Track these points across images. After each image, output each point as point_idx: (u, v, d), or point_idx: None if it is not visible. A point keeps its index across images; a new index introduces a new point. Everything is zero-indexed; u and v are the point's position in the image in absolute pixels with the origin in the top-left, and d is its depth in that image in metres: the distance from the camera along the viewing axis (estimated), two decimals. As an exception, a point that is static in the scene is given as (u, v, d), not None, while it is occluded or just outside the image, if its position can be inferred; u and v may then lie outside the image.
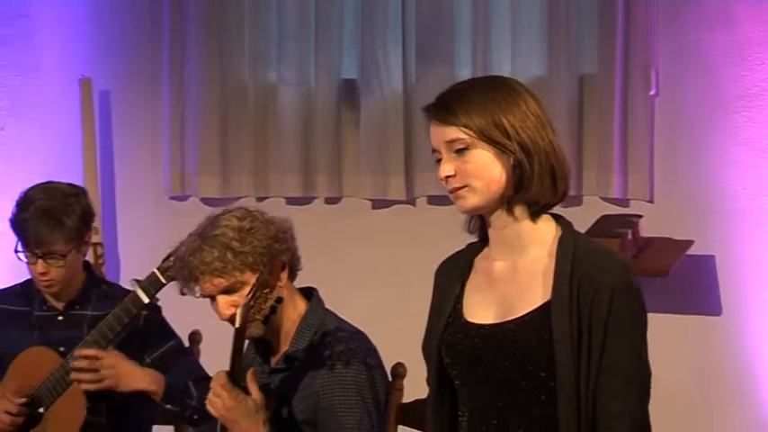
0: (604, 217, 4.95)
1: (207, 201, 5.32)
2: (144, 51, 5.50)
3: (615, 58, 5.07)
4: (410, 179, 5.27)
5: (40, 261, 3.99)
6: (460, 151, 2.62)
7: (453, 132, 2.62)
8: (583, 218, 4.84)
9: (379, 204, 5.33)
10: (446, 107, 2.65)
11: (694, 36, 5.06)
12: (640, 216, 4.98)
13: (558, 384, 2.58)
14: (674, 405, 4.94)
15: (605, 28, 5.08)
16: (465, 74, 5.17)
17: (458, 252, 2.78)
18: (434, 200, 5.26)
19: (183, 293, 3.62)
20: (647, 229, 4.95)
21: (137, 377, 3.91)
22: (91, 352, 3.87)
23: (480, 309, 2.69)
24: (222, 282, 3.42)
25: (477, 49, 5.18)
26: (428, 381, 2.80)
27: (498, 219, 2.66)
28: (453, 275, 2.76)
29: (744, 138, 5.02)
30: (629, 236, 4.78)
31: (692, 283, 5.01)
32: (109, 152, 5.54)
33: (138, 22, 5.52)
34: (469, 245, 2.76)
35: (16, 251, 4.05)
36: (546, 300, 2.61)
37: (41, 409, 3.99)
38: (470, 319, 2.69)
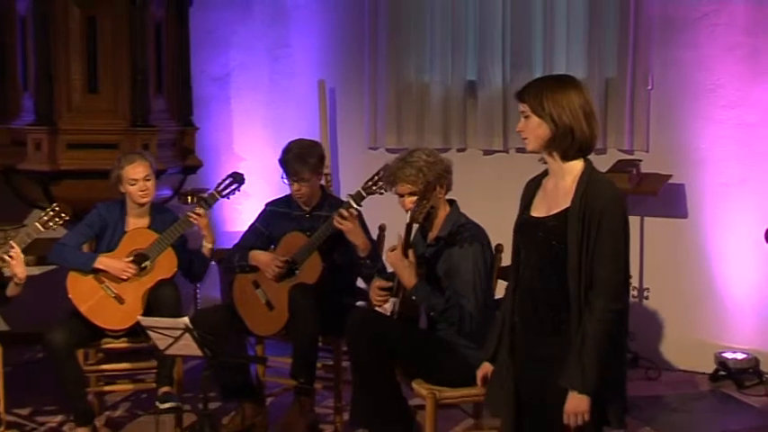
0: (620, 161, 4.89)
1: (389, 150, 5.29)
2: (353, 64, 5.44)
3: (627, 65, 4.93)
4: (506, 138, 5.19)
5: (296, 183, 4.08)
6: (526, 117, 2.57)
7: (522, 106, 2.57)
8: (607, 160, 4.91)
9: (487, 152, 5.25)
10: (521, 91, 2.59)
11: (676, 52, 4.91)
12: (641, 160, 4.90)
13: (568, 256, 2.52)
14: (657, 273, 4.92)
15: (621, 47, 4.93)
16: (539, 75, 5.04)
17: (537, 176, 2.70)
18: (520, 150, 5.12)
19: (384, 191, 3.73)
20: (644, 168, 4.88)
21: (360, 236, 3.94)
22: (353, 210, 3.89)
23: (537, 208, 2.63)
24: (410, 187, 3.48)
25: (546, 60, 5.07)
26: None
27: (547, 157, 2.61)
28: (530, 189, 2.70)
29: (704, 114, 4.90)
30: (634, 172, 4.76)
31: (670, 199, 4.89)
32: (333, 122, 5.52)
33: (349, 45, 5.45)
34: (544, 171, 2.68)
35: (282, 178, 4.14)
36: (567, 206, 2.55)
37: (295, 268, 4.06)
38: (531, 214, 2.64)
